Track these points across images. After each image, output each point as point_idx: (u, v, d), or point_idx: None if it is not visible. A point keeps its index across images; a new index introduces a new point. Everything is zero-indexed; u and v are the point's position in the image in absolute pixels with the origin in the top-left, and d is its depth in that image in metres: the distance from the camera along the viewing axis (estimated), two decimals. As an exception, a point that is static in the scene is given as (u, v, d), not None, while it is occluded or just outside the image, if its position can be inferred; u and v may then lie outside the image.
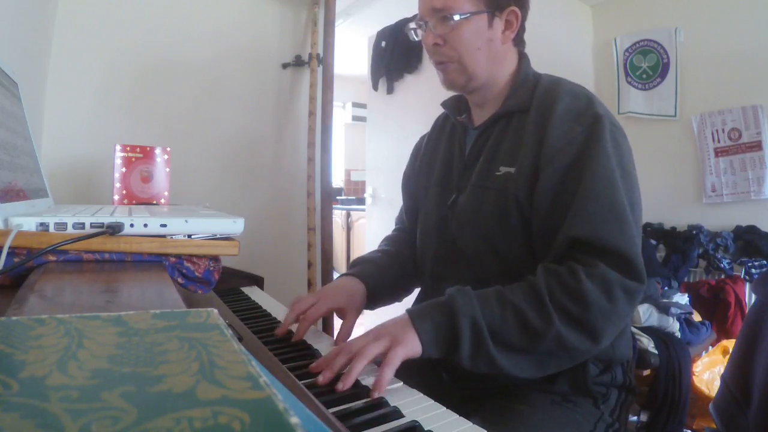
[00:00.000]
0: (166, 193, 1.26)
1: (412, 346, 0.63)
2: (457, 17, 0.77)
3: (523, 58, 0.86)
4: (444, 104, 0.97)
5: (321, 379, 0.59)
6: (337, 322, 0.84)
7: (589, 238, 0.67)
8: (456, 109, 0.94)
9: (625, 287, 0.65)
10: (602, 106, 0.75)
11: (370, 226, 3.22)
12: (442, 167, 0.91)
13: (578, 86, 0.79)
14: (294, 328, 0.76)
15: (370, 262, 0.92)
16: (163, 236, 0.61)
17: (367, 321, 3.10)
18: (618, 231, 0.67)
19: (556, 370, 0.68)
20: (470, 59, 0.80)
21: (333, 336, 0.92)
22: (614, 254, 0.66)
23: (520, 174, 0.74)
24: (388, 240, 1.04)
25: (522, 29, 0.83)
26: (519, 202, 0.74)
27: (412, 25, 0.84)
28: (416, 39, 0.85)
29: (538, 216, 0.72)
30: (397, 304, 0.97)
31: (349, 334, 0.79)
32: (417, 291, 0.99)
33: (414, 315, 0.67)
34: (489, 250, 0.78)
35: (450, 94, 0.93)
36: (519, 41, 0.85)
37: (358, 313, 0.84)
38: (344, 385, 0.57)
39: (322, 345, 0.75)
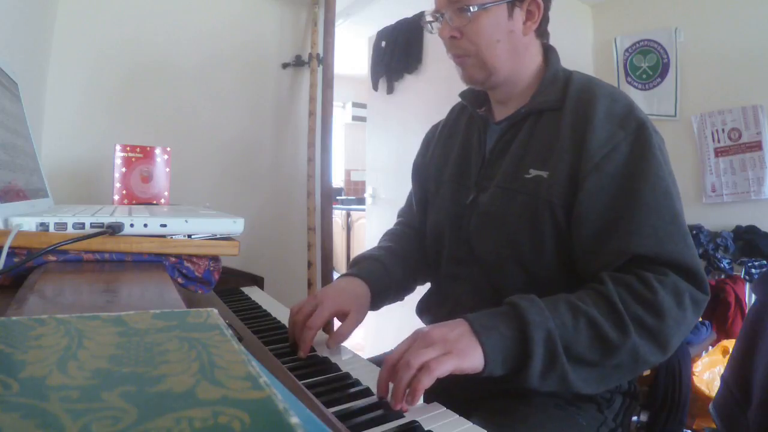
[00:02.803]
0: (166, 193, 1.26)
1: (471, 361, 0.56)
2: (474, 8, 0.73)
3: (550, 51, 0.81)
4: (462, 95, 0.92)
5: (395, 405, 0.53)
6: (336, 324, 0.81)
7: (654, 254, 0.64)
8: (475, 100, 0.89)
9: (693, 297, 0.63)
10: (641, 111, 0.73)
11: (370, 226, 3.22)
12: (458, 161, 0.87)
13: (614, 87, 0.76)
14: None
15: (373, 260, 0.86)
16: (163, 236, 0.61)
17: (370, 322, 3.10)
18: (682, 244, 0.65)
19: (615, 384, 0.65)
20: (489, 53, 0.76)
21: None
22: (681, 267, 0.64)
23: (555, 179, 0.70)
24: (390, 235, 0.98)
25: (545, 20, 0.79)
26: (553, 209, 0.70)
27: (428, 17, 0.80)
28: (432, 32, 0.81)
29: (582, 226, 0.68)
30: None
31: (347, 337, 0.74)
32: (417, 290, 0.98)
33: (477, 325, 0.59)
34: (512, 257, 0.74)
35: (459, 88, 0.90)
36: (542, 33, 0.80)
37: (363, 315, 0.78)
38: (413, 402, 0.53)
39: (322, 345, 0.75)
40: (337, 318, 0.76)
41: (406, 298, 0.94)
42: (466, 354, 0.56)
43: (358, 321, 0.76)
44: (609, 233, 0.67)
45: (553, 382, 0.60)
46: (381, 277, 0.83)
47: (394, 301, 0.90)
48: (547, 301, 0.62)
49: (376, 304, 0.83)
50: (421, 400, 0.57)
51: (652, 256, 0.64)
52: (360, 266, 0.84)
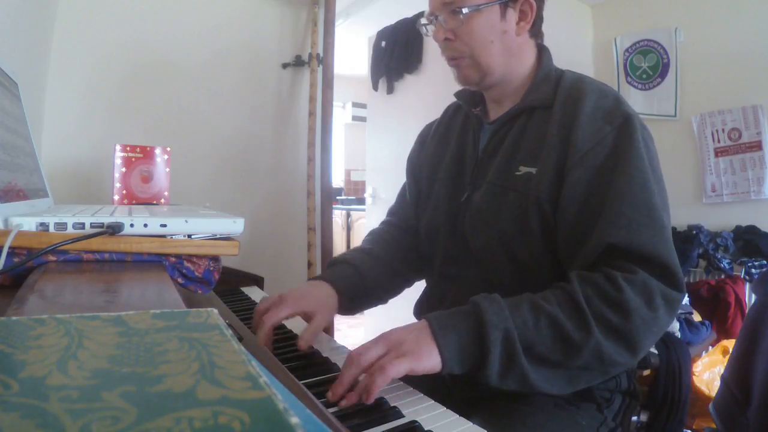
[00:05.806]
0: (166, 193, 1.26)
1: (428, 361, 0.57)
2: (466, 10, 0.74)
3: (543, 51, 0.82)
4: (458, 95, 0.93)
5: (344, 402, 0.55)
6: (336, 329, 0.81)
7: (626, 244, 0.63)
8: (471, 100, 0.90)
9: (665, 295, 0.62)
10: (629, 106, 0.73)
11: (370, 226, 3.21)
12: (453, 160, 0.88)
13: (603, 84, 0.77)
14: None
15: (347, 265, 0.85)
16: (163, 236, 0.61)
17: (370, 323, 3.10)
18: (657, 237, 0.64)
19: (587, 385, 0.64)
20: (483, 53, 0.76)
21: (333, 336, 0.92)
22: (653, 262, 0.63)
23: (543, 175, 0.71)
24: (373, 236, 0.97)
25: (539, 20, 0.79)
26: (540, 204, 0.71)
27: (423, 20, 0.81)
28: (428, 35, 0.82)
29: (565, 220, 0.69)
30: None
31: (313, 339, 0.72)
32: (416, 289, 0.98)
33: (435, 325, 0.60)
34: (504, 253, 0.75)
35: (457, 88, 0.90)
36: (536, 33, 0.81)
37: (329, 317, 0.78)
38: (367, 400, 0.54)
39: (323, 346, 0.75)
40: (303, 318, 0.76)
41: (397, 298, 0.94)
42: (421, 355, 0.57)
43: (324, 322, 0.75)
44: (587, 225, 0.67)
45: (514, 382, 0.60)
46: (353, 282, 0.83)
47: (376, 304, 0.90)
48: (510, 300, 0.62)
49: (350, 308, 0.83)
50: (422, 400, 0.57)
51: (624, 247, 0.63)
52: (332, 270, 0.85)
